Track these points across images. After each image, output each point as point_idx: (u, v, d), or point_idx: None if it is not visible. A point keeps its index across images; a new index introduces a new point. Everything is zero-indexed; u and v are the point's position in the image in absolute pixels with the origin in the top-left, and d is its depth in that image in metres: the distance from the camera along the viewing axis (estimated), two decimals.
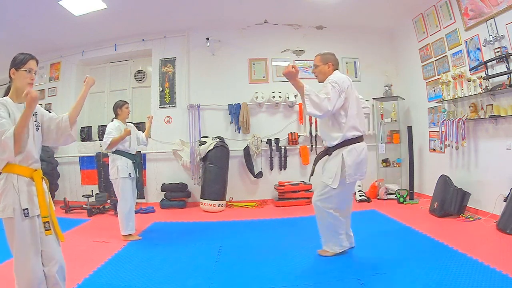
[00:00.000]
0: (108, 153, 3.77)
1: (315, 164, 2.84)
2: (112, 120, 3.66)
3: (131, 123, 3.95)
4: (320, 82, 2.68)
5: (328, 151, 2.66)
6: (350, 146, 2.52)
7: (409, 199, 4.93)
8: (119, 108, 3.64)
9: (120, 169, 3.50)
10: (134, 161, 3.65)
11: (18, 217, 1.65)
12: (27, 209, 1.67)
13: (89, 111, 6.14)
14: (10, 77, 1.79)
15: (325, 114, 2.44)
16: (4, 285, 2.42)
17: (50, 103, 5.98)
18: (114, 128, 3.50)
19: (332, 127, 2.56)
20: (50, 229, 1.73)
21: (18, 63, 1.76)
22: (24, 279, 1.67)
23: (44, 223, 1.71)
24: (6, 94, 1.81)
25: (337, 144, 2.55)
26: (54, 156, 5.60)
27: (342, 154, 2.52)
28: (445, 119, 4.30)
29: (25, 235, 1.67)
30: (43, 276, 1.72)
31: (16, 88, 1.78)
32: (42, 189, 1.76)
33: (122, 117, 3.67)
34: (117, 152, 3.57)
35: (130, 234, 3.54)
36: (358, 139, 2.56)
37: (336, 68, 2.63)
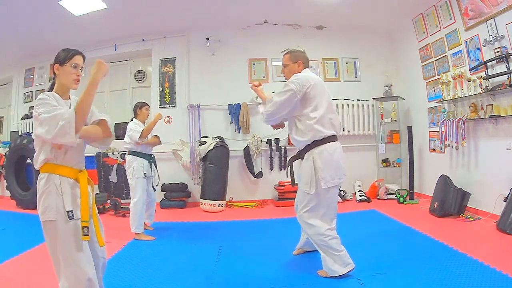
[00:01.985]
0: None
1: (289, 166, 2.64)
2: (132, 120, 3.74)
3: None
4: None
5: (301, 154, 2.47)
6: (321, 147, 2.33)
7: (409, 199, 4.93)
8: (138, 108, 3.75)
9: (136, 170, 3.58)
10: (150, 160, 3.74)
11: (62, 219, 1.58)
12: (71, 211, 1.59)
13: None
14: (54, 73, 1.71)
15: (271, 120, 2.45)
16: (4, 285, 2.42)
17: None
18: (137, 124, 3.65)
19: (297, 128, 2.39)
20: (87, 235, 1.59)
21: (62, 58, 1.68)
22: (77, 284, 1.56)
23: (83, 228, 1.59)
24: (50, 90, 1.72)
25: (306, 146, 2.38)
26: None
27: (313, 157, 2.34)
28: (445, 119, 4.30)
29: (70, 238, 1.58)
30: (94, 279, 1.62)
31: (61, 84, 1.70)
32: (86, 192, 1.66)
33: (141, 118, 3.76)
34: (134, 153, 3.65)
35: (142, 234, 3.57)
36: (329, 139, 2.36)
37: (306, 66, 2.49)
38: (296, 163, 2.59)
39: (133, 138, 3.56)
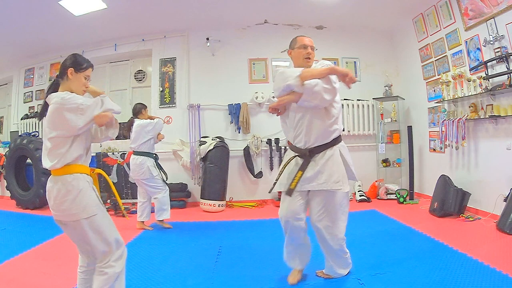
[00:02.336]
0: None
1: (302, 170, 2.14)
2: (134, 120, 3.90)
3: None
4: (308, 67, 2.26)
5: (313, 152, 2.14)
6: (341, 142, 2.23)
7: (409, 199, 4.93)
8: (144, 109, 3.94)
9: (151, 169, 3.80)
10: (156, 159, 3.96)
11: (100, 211, 1.74)
12: (100, 202, 1.78)
13: None
14: (63, 75, 1.75)
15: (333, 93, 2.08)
16: (4, 285, 2.42)
17: None
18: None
19: (328, 119, 2.13)
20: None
21: (79, 66, 1.75)
22: (123, 261, 1.82)
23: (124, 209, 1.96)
24: (54, 90, 1.76)
25: (334, 139, 2.16)
26: None
27: (340, 150, 2.18)
28: (445, 119, 4.30)
29: (110, 222, 1.80)
30: None
31: (69, 89, 1.75)
32: (98, 186, 1.85)
33: (144, 118, 3.92)
34: (143, 153, 3.81)
35: (163, 221, 3.95)
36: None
37: None
38: (294, 161, 2.22)
39: (162, 126, 3.96)
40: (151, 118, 3.93)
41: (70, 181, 1.67)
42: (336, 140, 2.19)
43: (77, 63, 1.75)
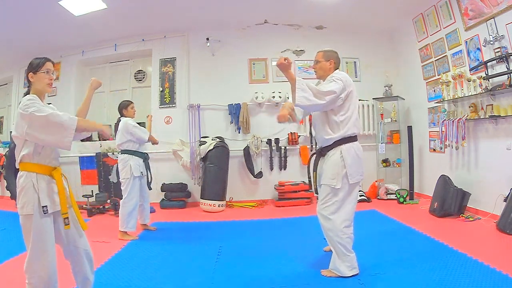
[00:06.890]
0: (117, 153, 4.01)
1: (314, 170, 2.58)
2: (120, 120, 3.75)
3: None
4: (318, 78, 2.62)
5: (323, 151, 2.52)
6: (348, 144, 2.42)
7: (409, 199, 4.93)
8: (124, 108, 3.76)
9: (133, 168, 3.59)
10: (145, 159, 3.78)
11: (37, 214, 1.69)
12: (46, 206, 1.71)
13: (89, 112, 6.12)
14: (28, 81, 1.83)
15: (314, 107, 2.31)
16: (4, 285, 2.42)
17: (50, 103, 5.94)
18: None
19: (328, 125, 2.44)
20: (68, 224, 1.79)
21: (35, 66, 1.80)
22: (40, 275, 1.68)
23: (64, 219, 1.77)
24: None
25: (334, 142, 2.43)
26: None
27: (341, 152, 2.40)
28: (445, 119, 4.30)
29: (43, 232, 1.70)
30: (56, 272, 1.75)
31: (36, 90, 1.82)
32: (63, 187, 1.80)
33: (129, 116, 3.77)
34: (129, 152, 3.66)
35: (126, 232, 3.56)
36: (354, 138, 2.47)
37: (337, 67, 2.56)
38: (315, 160, 2.60)
39: (144, 139, 3.70)
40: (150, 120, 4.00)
41: (18, 178, 1.74)
42: (337, 143, 2.42)
43: (32, 65, 1.81)
